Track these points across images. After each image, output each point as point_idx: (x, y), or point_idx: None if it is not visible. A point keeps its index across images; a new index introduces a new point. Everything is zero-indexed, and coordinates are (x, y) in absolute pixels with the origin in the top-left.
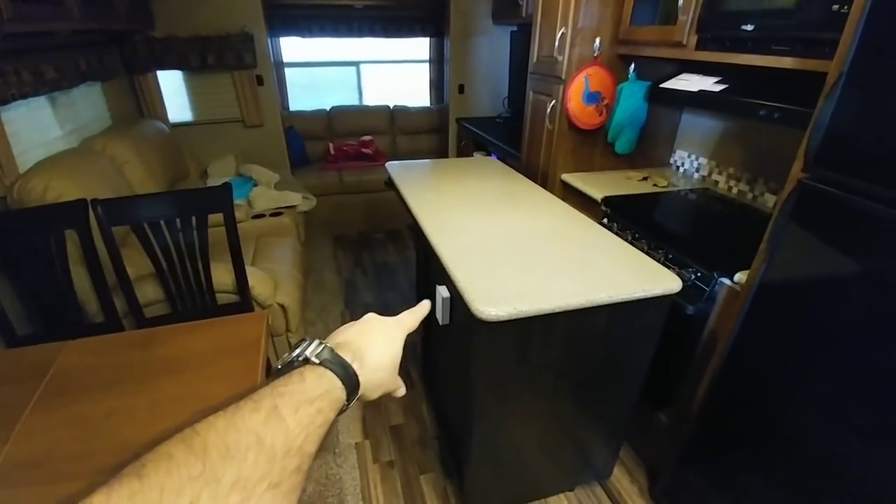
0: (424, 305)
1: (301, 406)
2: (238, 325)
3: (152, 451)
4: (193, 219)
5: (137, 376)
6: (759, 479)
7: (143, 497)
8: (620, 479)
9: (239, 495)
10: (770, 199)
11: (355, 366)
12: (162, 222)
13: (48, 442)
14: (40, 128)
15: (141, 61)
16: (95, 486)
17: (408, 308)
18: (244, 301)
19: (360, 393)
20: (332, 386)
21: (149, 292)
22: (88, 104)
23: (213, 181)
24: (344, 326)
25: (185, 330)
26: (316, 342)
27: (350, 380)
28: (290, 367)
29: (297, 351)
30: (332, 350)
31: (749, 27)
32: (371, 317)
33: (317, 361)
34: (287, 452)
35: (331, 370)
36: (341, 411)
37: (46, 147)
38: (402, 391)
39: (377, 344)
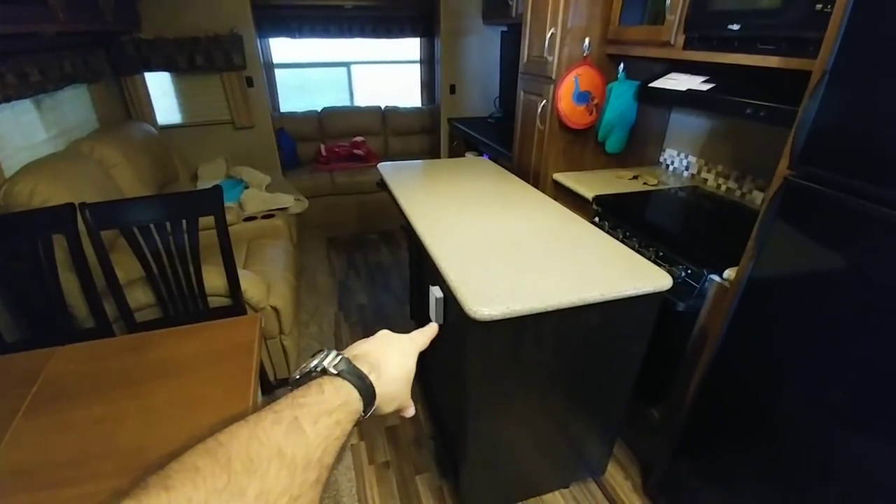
0: (433, 326)
1: (320, 417)
2: (230, 329)
3: (177, 462)
4: (184, 222)
5: (129, 381)
6: (751, 472)
7: None
8: (615, 474)
9: None
10: (758, 197)
11: (372, 377)
12: (152, 226)
13: (39, 449)
14: (25, 131)
15: (128, 63)
16: (119, 495)
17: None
18: (236, 304)
19: (375, 405)
20: (350, 397)
21: (139, 297)
22: (75, 107)
23: (204, 184)
24: (358, 341)
25: (177, 334)
26: (333, 353)
27: (367, 391)
28: (308, 377)
29: (315, 362)
30: (349, 361)
31: (735, 27)
32: (385, 333)
33: (335, 372)
34: (307, 465)
35: (349, 381)
36: (357, 423)
37: (32, 150)
38: (411, 411)
39: (393, 356)
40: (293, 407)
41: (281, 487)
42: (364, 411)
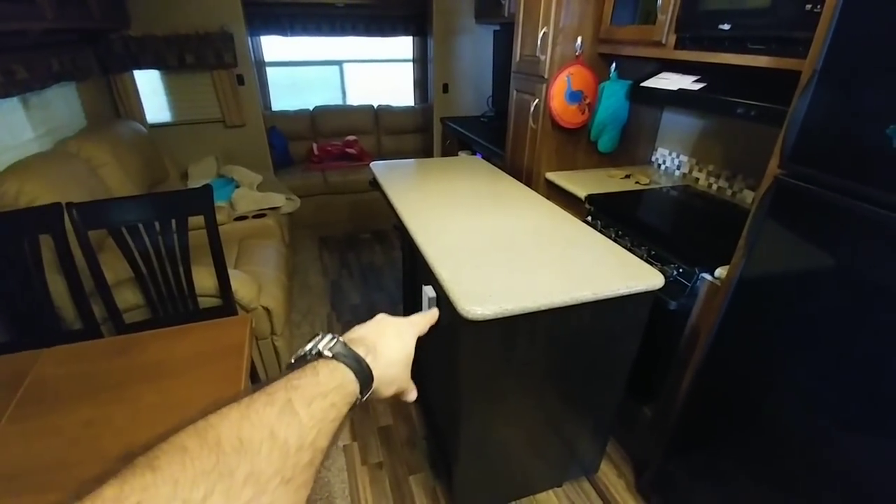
0: (434, 312)
1: (314, 400)
2: (221, 330)
3: (166, 443)
4: (173, 222)
5: (117, 384)
6: (742, 469)
7: (157, 490)
8: (607, 473)
9: (252, 490)
10: (749, 196)
11: (368, 360)
12: (140, 226)
13: (25, 453)
14: (12, 130)
15: (117, 61)
16: (106, 476)
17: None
18: (227, 304)
19: (373, 388)
20: (346, 380)
21: (128, 297)
22: (62, 105)
23: (194, 183)
24: (356, 326)
25: (167, 335)
26: (329, 336)
27: (363, 374)
28: (304, 361)
29: (310, 345)
30: (345, 344)
31: (726, 26)
32: (382, 316)
33: (329, 355)
34: (300, 447)
35: (344, 364)
36: (354, 405)
37: (19, 150)
38: (413, 394)
39: (390, 339)
40: (287, 389)
41: (272, 469)
42: (361, 394)
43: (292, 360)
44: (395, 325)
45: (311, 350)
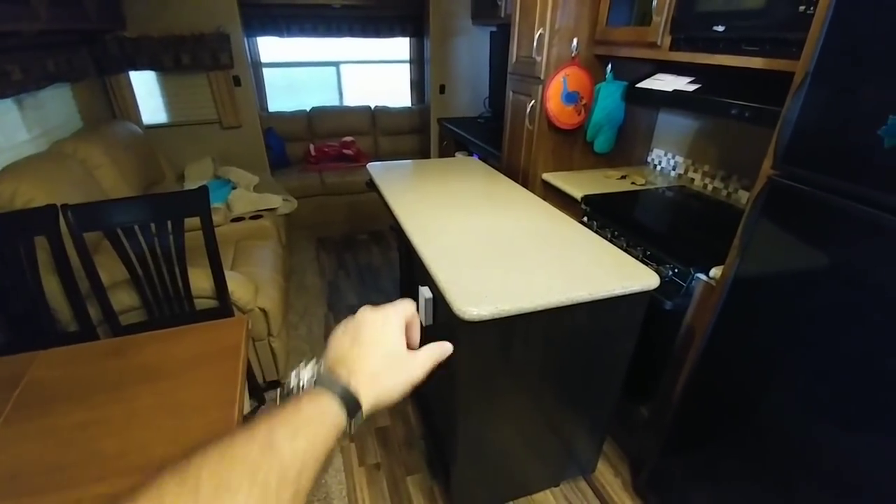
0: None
1: (297, 434)
2: (217, 331)
3: (145, 487)
4: (169, 223)
5: (113, 386)
6: (738, 468)
7: None
8: (604, 472)
9: None
10: (743, 196)
11: (352, 383)
12: (136, 227)
13: (21, 455)
14: (7, 131)
15: (112, 62)
16: None
17: None
18: (223, 306)
19: (370, 406)
20: (330, 410)
21: (124, 299)
22: (58, 106)
23: (191, 184)
24: (337, 334)
25: (163, 337)
26: (311, 365)
27: (349, 399)
28: (287, 398)
29: (293, 384)
30: (326, 373)
31: (720, 28)
32: (362, 316)
33: (310, 386)
34: (281, 482)
35: (327, 394)
36: (348, 432)
37: (14, 151)
38: (447, 348)
39: (371, 347)
40: (269, 425)
41: None
42: (352, 417)
43: (277, 403)
44: (372, 325)
45: (293, 388)
